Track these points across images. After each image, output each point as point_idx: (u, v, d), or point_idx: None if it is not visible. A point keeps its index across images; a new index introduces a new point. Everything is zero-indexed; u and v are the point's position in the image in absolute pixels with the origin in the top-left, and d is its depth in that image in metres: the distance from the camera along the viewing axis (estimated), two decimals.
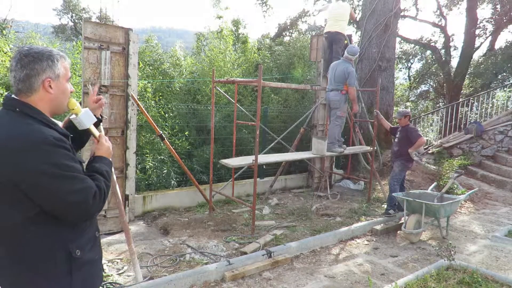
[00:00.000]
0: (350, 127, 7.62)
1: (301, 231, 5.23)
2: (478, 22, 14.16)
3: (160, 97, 7.00)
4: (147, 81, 6.80)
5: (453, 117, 10.36)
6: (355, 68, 6.95)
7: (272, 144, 6.97)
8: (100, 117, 1.89)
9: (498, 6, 13.77)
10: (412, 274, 3.81)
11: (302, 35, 15.65)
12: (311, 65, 9.56)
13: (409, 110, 9.38)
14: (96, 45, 4.72)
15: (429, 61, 17.33)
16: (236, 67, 8.68)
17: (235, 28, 11.32)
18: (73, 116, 1.67)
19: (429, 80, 18.09)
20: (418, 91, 18.92)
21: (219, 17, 11.08)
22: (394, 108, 10.93)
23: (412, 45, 17.52)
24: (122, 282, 3.63)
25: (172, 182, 6.25)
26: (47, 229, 1.42)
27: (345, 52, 6.10)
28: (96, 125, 1.79)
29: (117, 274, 3.79)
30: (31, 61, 1.43)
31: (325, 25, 7.50)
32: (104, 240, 4.59)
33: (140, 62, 6.94)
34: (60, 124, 1.56)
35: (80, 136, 1.79)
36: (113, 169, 2.62)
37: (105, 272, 3.75)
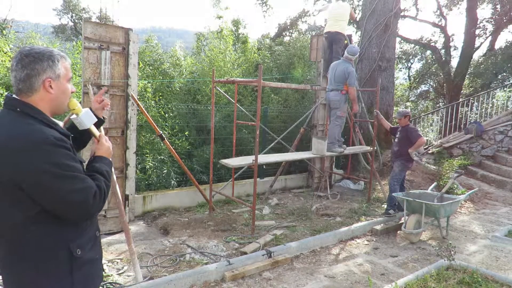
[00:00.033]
0: (350, 127, 7.62)
1: (301, 231, 5.23)
2: (478, 22, 14.16)
3: (160, 97, 7.00)
4: (147, 81, 6.80)
5: (453, 117, 10.36)
6: (355, 68, 6.94)
7: (272, 144, 6.97)
8: (102, 118, 1.90)
9: (498, 6, 13.77)
10: (412, 274, 3.81)
11: (302, 35, 15.65)
12: (311, 65, 9.56)
13: (409, 110, 9.38)
14: (96, 45, 4.72)
15: (429, 61, 17.33)
16: (236, 67, 8.68)
17: (235, 28, 11.33)
18: (74, 116, 1.67)
19: (429, 80, 18.09)
20: (418, 91, 18.92)
21: (219, 17, 11.09)
22: (394, 108, 10.93)
23: (412, 45, 17.52)
24: (122, 282, 3.63)
25: (172, 182, 6.25)
26: (48, 229, 1.43)
27: (345, 52, 6.10)
28: (98, 125, 1.79)
29: (117, 274, 3.79)
30: (32, 61, 1.43)
31: (325, 25, 7.50)
32: (104, 240, 4.59)
33: (140, 62, 6.94)
34: (61, 124, 1.56)
35: (82, 137, 1.79)
36: (113, 169, 2.62)
37: (105, 272, 3.75)
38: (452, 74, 14.88)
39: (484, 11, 25.39)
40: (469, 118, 10.92)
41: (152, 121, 5.26)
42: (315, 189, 7.69)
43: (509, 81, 12.54)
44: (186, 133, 6.78)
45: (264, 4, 16.56)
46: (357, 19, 12.36)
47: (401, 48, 17.99)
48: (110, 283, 3.58)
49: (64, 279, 1.47)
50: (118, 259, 4.14)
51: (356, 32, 14.49)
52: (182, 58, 8.50)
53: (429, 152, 9.35)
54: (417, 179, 8.06)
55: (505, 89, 10.91)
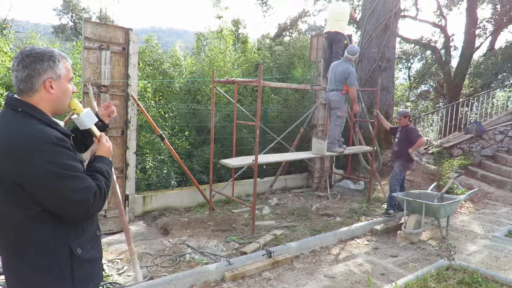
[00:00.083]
0: (350, 127, 7.62)
1: (301, 231, 5.23)
2: (478, 22, 14.16)
3: (160, 97, 7.00)
4: (147, 81, 6.80)
5: (453, 117, 10.36)
6: (355, 68, 6.94)
7: (272, 144, 6.97)
8: (107, 124, 1.91)
9: (498, 6, 13.77)
10: (412, 274, 3.81)
11: (302, 35, 15.66)
12: (311, 65, 9.55)
13: (408, 110, 9.39)
14: (96, 45, 4.72)
15: (429, 61, 17.32)
16: (236, 67, 8.68)
17: (235, 28, 11.32)
18: (75, 116, 1.68)
19: (429, 80, 18.09)
20: (418, 91, 18.92)
21: (219, 17, 11.10)
22: (394, 108, 10.93)
23: (412, 45, 17.52)
24: (122, 282, 3.63)
25: (172, 182, 6.25)
26: (48, 228, 1.44)
27: (345, 52, 6.10)
28: (101, 131, 1.80)
29: (117, 274, 3.79)
30: (33, 62, 1.44)
31: (325, 25, 7.50)
32: (104, 240, 4.59)
33: (140, 62, 6.94)
34: (62, 123, 1.57)
35: (85, 138, 1.80)
36: (113, 169, 2.63)
37: (105, 272, 3.75)
38: (452, 74, 14.88)
39: (484, 11, 25.42)
40: (469, 118, 10.92)
41: (152, 121, 5.26)
42: (315, 189, 7.69)
43: (509, 81, 12.54)
44: (186, 133, 6.78)
45: (264, 4, 16.57)
46: (357, 19, 12.36)
47: (401, 48, 18.00)
48: (110, 283, 3.58)
49: (65, 278, 1.48)
50: (118, 259, 4.14)
51: (356, 32, 14.50)
52: (182, 58, 8.50)
53: (429, 152, 9.35)
54: (417, 179, 8.06)
55: (505, 89, 10.91)
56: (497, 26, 14.25)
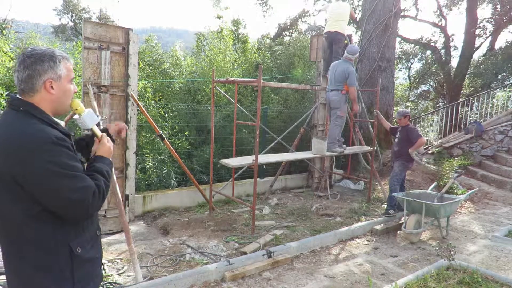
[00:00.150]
0: (350, 127, 7.62)
1: (301, 231, 5.23)
2: (478, 22, 14.16)
3: (160, 97, 7.00)
4: (147, 81, 6.80)
5: (453, 117, 10.36)
6: (355, 68, 6.94)
7: (272, 144, 6.97)
8: (114, 140, 1.91)
9: (498, 6, 13.77)
10: (412, 274, 3.81)
11: (302, 35, 15.66)
12: (311, 65, 9.55)
13: (408, 110, 9.40)
14: (96, 45, 4.72)
15: (429, 61, 17.33)
16: (236, 67, 8.68)
17: (235, 28, 11.32)
18: (76, 116, 1.68)
19: (429, 80, 18.09)
20: (418, 91, 18.92)
21: (219, 17, 11.10)
22: (394, 108, 10.93)
23: (412, 45, 17.53)
24: (122, 282, 3.63)
25: (172, 182, 6.25)
26: (48, 227, 1.44)
27: (345, 52, 6.10)
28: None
29: (117, 274, 3.80)
30: (33, 62, 1.46)
31: (325, 25, 7.50)
32: (104, 240, 4.59)
33: (140, 62, 6.94)
34: (62, 123, 1.58)
35: (88, 146, 1.81)
36: (113, 169, 2.63)
37: (105, 272, 3.75)
38: (452, 74, 14.88)
39: (484, 11, 25.43)
40: (469, 118, 10.93)
41: (152, 121, 5.26)
42: (315, 189, 7.69)
43: (509, 81, 12.55)
44: (186, 133, 6.78)
45: (264, 4, 16.57)
46: (357, 19, 12.36)
47: (401, 48, 18.00)
48: (110, 283, 3.58)
49: (65, 278, 1.49)
50: (118, 259, 4.14)
51: (356, 32, 14.50)
52: (182, 58, 8.50)
53: (429, 152, 9.35)
54: (417, 179, 8.06)
55: (505, 89, 10.91)
56: (497, 26, 14.25)
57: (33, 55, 1.46)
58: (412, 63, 18.94)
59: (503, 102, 10.65)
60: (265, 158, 5.58)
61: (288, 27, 16.79)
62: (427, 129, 12.11)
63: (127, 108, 5.08)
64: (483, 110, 10.64)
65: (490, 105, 10.56)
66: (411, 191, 6.01)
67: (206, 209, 5.95)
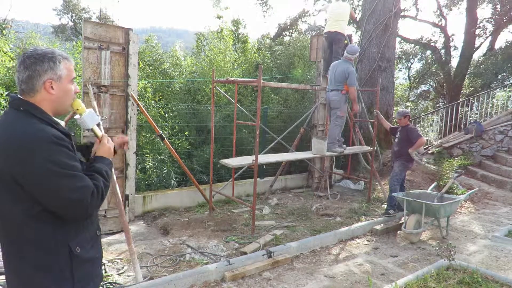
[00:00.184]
0: (350, 127, 7.62)
1: (301, 231, 5.23)
2: (478, 22, 14.16)
3: (160, 97, 7.00)
4: (147, 81, 6.80)
5: (453, 117, 10.36)
6: (355, 68, 6.94)
7: (272, 144, 6.97)
8: (115, 152, 1.91)
9: (498, 6, 13.77)
10: (412, 274, 3.81)
11: (302, 35, 15.66)
12: (311, 65, 9.56)
13: (408, 110, 9.40)
14: (96, 45, 4.72)
15: (429, 61, 17.33)
16: (236, 67, 8.68)
17: (235, 28, 11.32)
18: (77, 116, 1.69)
19: (429, 80, 18.09)
20: (418, 91, 18.92)
21: (219, 17, 11.10)
22: (394, 108, 10.93)
23: (412, 45, 17.52)
24: (122, 282, 3.63)
25: (172, 182, 6.25)
26: (49, 227, 1.45)
27: (345, 52, 6.10)
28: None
29: (117, 274, 3.79)
30: (33, 63, 1.47)
31: (325, 25, 7.50)
32: (104, 240, 4.59)
33: (140, 62, 6.94)
34: (63, 123, 1.58)
35: (88, 147, 1.81)
36: (113, 169, 2.63)
37: (105, 272, 3.75)
38: (452, 74, 14.88)
39: (484, 11, 25.44)
40: (469, 118, 10.93)
41: (152, 121, 5.26)
42: (315, 189, 7.69)
43: (509, 81, 12.55)
44: (186, 133, 6.78)
45: (264, 4, 16.57)
46: (357, 19, 12.36)
47: (401, 48, 18.00)
48: (110, 283, 3.58)
49: (65, 278, 1.49)
50: (118, 259, 4.14)
51: (356, 32, 14.50)
52: (182, 58, 8.50)
53: (429, 152, 9.35)
54: (417, 179, 8.06)
55: (505, 89, 10.92)
56: (497, 26, 14.25)
57: (33, 56, 1.47)
58: (412, 63, 18.95)
59: (503, 102, 10.65)
60: (265, 158, 5.58)
61: (288, 27, 16.79)
62: (427, 129, 12.11)
63: (127, 108, 5.08)
64: (483, 110, 10.64)
65: (490, 105, 10.56)
66: (411, 191, 6.01)
67: (206, 209, 5.95)
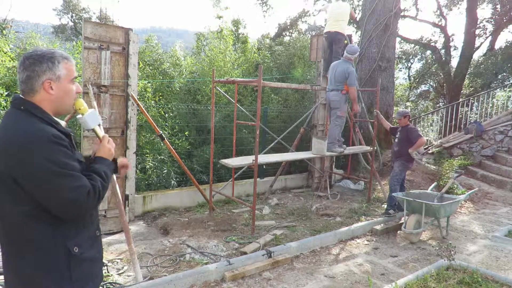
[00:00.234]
0: (350, 127, 7.62)
1: (301, 231, 5.23)
2: (478, 22, 14.16)
3: (160, 97, 7.00)
4: (147, 81, 6.80)
5: (453, 117, 10.36)
6: (355, 68, 6.94)
7: (272, 144, 6.97)
8: (117, 172, 1.93)
9: (498, 6, 13.77)
10: (412, 274, 3.81)
11: (302, 35, 15.66)
12: (311, 65, 9.56)
13: (408, 110, 9.40)
14: (96, 45, 4.72)
15: (429, 61, 17.33)
16: (236, 67, 8.68)
17: (235, 28, 11.32)
18: (79, 116, 1.69)
19: (429, 80, 18.10)
20: (418, 91, 18.92)
21: (219, 17, 11.10)
22: (394, 108, 10.93)
23: (412, 45, 17.52)
24: (122, 282, 3.63)
25: (172, 182, 6.25)
26: (49, 227, 1.45)
27: (345, 52, 6.10)
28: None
29: (117, 274, 3.80)
30: (32, 63, 1.47)
31: (325, 25, 7.50)
32: (104, 240, 4.58)
33: (140, 62, 6.94)
34: (63, 123, 1.58)
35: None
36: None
37: (105, 272, 3.75)
38: (452, 74, 14.88)
39: (484, 11, 25.41)
40: (469, 118, 10.93)
41: (152, 121, 5.26)
42: (315, 189, 7.69)
43: (509, 81, 12.55)
44: (186, 133, 6.78)
45: (264, 4, 16.57)
46: (357, 19, 12.36)
47: (401, 48, 18.00)
48: (110, 283, 3.58)
49: (65, 277, 1.49)
50: (118, 259, 4.14)
51: (356, 32, 14.50)
52: (182, 58, 8.50)
53: (429, 152, 9.35)
54: (417, 179, 8.06)
55: (505, 89, 10.92)
56: (497, 26, 14.25)
57: (32, 57, 1.48)
58: (412, 63, 18.95)
59: (503, 102, 10.65)
60: (265, 158, 5.58)
61: (288, 27, 16.79)
62: (427, 129, 12.11)
63: (127, 108, 5.08)
64: (483, 110, 10.64)
65: (490, 105, 10.56)
66: (411, 191, 6.01)
67: (206, 209, 5.95)
